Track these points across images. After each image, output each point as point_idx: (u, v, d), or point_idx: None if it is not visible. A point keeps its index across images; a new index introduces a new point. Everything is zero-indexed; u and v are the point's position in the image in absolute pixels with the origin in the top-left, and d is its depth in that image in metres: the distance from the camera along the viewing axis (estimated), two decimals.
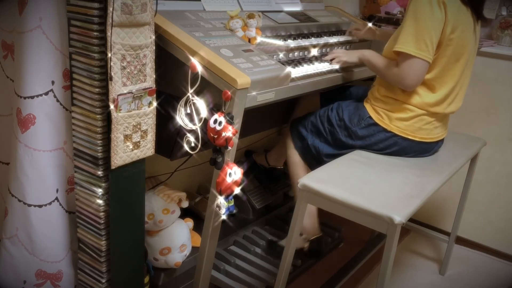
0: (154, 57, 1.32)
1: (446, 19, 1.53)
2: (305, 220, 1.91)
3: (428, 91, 1.65)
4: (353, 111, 1.76)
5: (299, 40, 1.88)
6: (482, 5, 1.67)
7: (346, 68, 1.84)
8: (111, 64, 1.21)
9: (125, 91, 1.26)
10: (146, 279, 1.65)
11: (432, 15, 1.51)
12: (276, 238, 2.16)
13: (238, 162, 2.33)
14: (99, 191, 1.36)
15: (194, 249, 1.80)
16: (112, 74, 1.22)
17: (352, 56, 1.81)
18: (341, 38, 2.08)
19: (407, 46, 1.53)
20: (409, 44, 1.53)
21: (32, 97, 1.36)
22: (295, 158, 1.92)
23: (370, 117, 1.71)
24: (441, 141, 1.80)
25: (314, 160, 1.85)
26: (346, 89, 2.02)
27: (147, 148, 1.38)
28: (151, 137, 1.38)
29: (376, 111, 1.71)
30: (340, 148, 1.77)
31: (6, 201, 1.50)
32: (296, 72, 1.62)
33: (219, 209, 1.43)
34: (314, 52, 1.91)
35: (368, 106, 1.74)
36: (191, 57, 1.38)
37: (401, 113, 1.67)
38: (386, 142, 1.70)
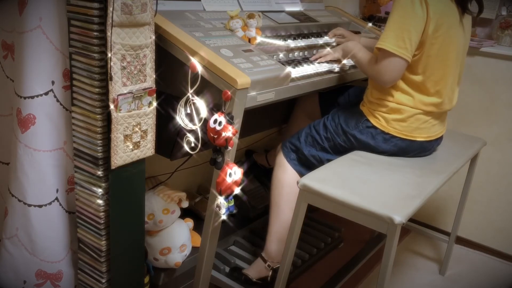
0: (154, 57, 1.32)
1: (428, 17, 1.53)
2: (272, 246, 1.83)
3: (420, 92, 1.64)
4: (350, 115, 1.75)
5: (299, 40, 1.88)
6: None
7: (346, 68, 1.84)
8: (111, 64, 1.21)
9: (125, 91, 1.26)
10: (146, 279, 1.65)
11: (413, 13, 1.52)
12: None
13: (238, 162, 2.33)
14: (99, 191, 1.36)
15: (194, 249, 1.80)
16: (112, 74, 1.22)
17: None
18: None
19: (386, 42, 1.54)
20: (389, 41, 1.54)
21: (32, 97, 1.36)
22: (284, 176, 1.80)
23: (367, 119, 1.70)
24: (440, 138, 1.80)
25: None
26: (346, 89, 2.01)
27: (147, 148, 1.38)
28: (151, 137, 1.38)
29: (373, 114, 1.70)
30: (340, 153, 1.75)
31: (6, 201, 1.50)
32: (296, 72, 1.62)
33: (219, 209, 1.43)
34: (314, 52, 1.91)
35: (364, 109, 1.73)
36: (191, 57, 1.38)
37: (397, 114, 1.66)
38: (385, 144, 1.70)
